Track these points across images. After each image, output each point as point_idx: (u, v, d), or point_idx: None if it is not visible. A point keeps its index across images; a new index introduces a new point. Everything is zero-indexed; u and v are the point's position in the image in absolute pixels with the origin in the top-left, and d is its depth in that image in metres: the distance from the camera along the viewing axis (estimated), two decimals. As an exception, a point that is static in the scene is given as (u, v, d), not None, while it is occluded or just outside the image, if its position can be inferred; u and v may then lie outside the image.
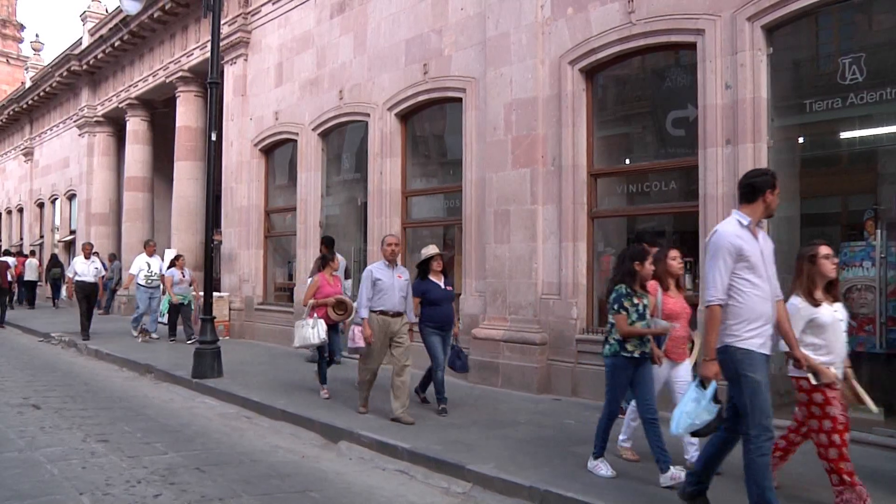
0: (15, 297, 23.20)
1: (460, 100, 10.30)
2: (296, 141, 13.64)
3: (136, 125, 21.03)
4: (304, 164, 13.35)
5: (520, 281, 9.19)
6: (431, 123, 11.81)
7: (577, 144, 8.83)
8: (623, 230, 9.43)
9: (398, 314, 7.48)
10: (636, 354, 5.40)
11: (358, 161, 12.89)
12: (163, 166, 20.57)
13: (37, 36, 42.85)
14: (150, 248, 14.70)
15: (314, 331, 8.29)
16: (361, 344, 7.61)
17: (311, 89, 13.25)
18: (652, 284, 5.68)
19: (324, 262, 8.96)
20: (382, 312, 7.41)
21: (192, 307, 13.91)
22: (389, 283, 7.44)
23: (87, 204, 23.45)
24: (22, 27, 62.48)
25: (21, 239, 31.22)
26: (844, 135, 7.71)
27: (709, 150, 7.49)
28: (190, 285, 13.91)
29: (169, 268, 14.18)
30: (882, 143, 7.40)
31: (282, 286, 14.67)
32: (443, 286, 7.81)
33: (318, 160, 13.19)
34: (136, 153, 21.16)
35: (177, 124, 18.10)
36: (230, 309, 14.92)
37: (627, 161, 9.54)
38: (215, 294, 11.86)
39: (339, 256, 10.74)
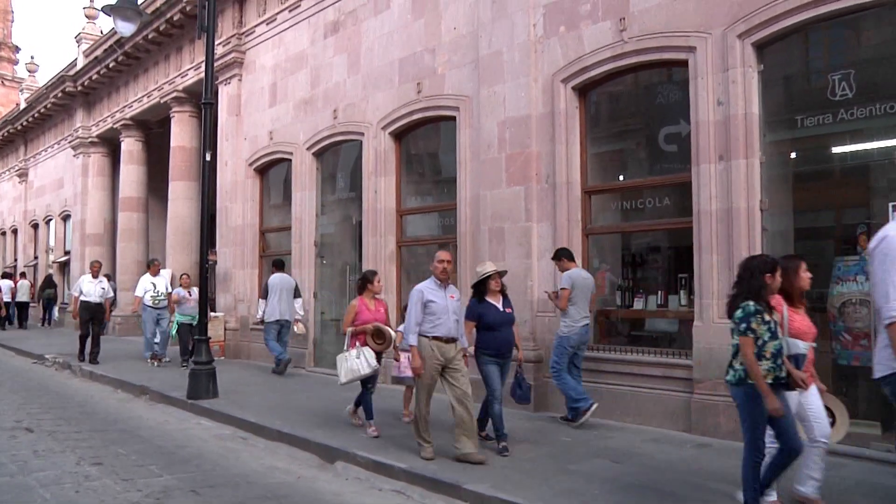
0: (6, 319, 23.26)
1: (454, 118, 10.33)
2: (290, 160, 13.66)
3: (130, 145, 21.05)
4: (299, 183, 13.36)
5: (515, 298, 9.13)
6: (425, 142, 11.84)
7: (570, 161, 8.85)
8: (618, 247, 9.46)
9: (452, 340, 6.64)
10: (769, 380, 4.59)
11: (353, 180, 12.90)
12: (157, 186, 20.57)
13: (32, 58, 42.87)
14: (155, 266, 14.38)
15: (360, 361, 7.43)
16: (409, 374, 7.11)
17: (305, 109, 13.28)
18: (777, 299, 5.02)
19: (363, 284, 7.95)
20: (435, 338, 6.56)
21: None
22: (442, 304, 6.61)
23: (81, 224, 23.41)
24: (17, 49, 62.51)
25: (15, 260, 31.13)
26: (836, 149, 7.74)
27: (702, 166, 7.52)
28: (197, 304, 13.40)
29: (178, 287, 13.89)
30: (873, 158, 7.43)
31: (277, 306, 14.61)
32: (501, 308, 7.01)
33: (312, 179, 13.20)
34: (131, 173, 21.16)
35: (171, 144, 18.11)
36: (225, 329, 14.87)
37: (621, 178, 9.57)
38: (210, 314, 11.86)
39: (285, 276, 12.66)
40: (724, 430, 7.10)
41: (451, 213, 10.63)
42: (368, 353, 7.48)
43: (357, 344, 7.59)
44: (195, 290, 12.91)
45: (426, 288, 6.70)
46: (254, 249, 14.85)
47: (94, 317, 13.90)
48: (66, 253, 25.65)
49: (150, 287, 13.90)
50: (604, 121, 9.47)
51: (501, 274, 7.15)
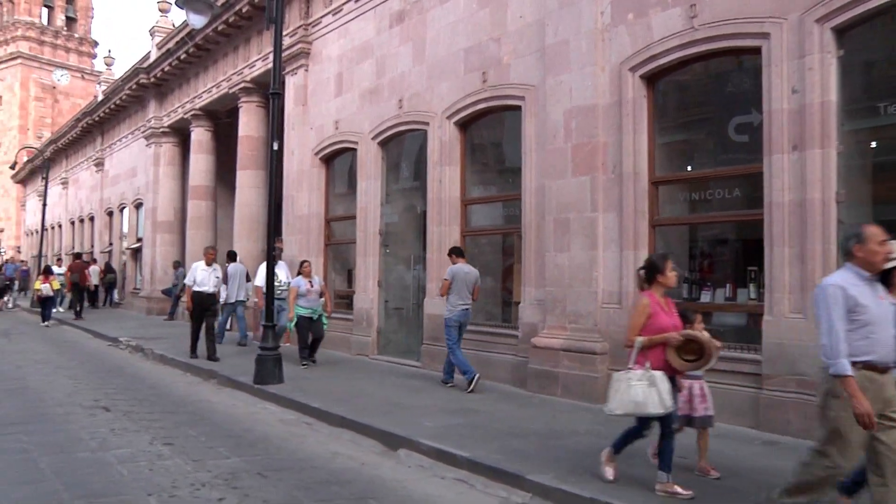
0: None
1: (519, 108, 10.26)
2: (355, 150, 13.78)
3: (200, 135, 21.53)
4: (364, 172, 13.48)
5: (580, 290, 9.10)
6: (490, 131, 11.79)
7: (637, 152, 8.71)
8: (685, 238, 9.28)
9: (888, 368, 4.28)
10: None
11: (417, 169, 12.96)
12: (226, 175, 21.00)
13: (109, 52, 44.30)
14: (276, 255, 12.63)
15: (652, 392, 5.11)
16: (705, 412, 5.80)
17: (370, 98, 13.38)
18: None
19: (651, 273, 5.53)
20: (870, 366, 4.21)
21: (325, 322, 12.16)
22: (876, 311, 4.26)
23: (153, 212, 24.10)
24: (95, 44, 64.87)
25: (92, 246, 32.27)
26: (920, 139, 7.43)
27: (774, 157, 7.31)
28: (320, 296, 12.01)
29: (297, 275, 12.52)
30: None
31: (341, 293, 14.80)
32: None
33: (377, 169, 13.30)
34: (200, 162, 21.65)
35: (239, 134, 18.46)
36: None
37: (689, 168, 9.38)
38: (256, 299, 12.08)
39: (240, 265, 13.69)
40: (794, 428, 6.91)
41: (515, 203, 10.58)
42: (664, 385, 5.16)
43: (647, 365, 5.24)
44: (317, 280, 12.18)
45: (848, 283, 4.28)
46: (319, 238, 15.03)
47: (207, 308, 12.82)
48: (139, 240, 26.46)
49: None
50: (672, 110, 9.28)
51: None
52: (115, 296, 28.66)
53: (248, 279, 14.85)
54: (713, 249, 9.16)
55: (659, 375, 5.17)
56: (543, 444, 6.72)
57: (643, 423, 5.41)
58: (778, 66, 7.30)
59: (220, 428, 7.75)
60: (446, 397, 9.15)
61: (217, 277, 12.97)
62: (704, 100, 9.17)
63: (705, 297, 8.57)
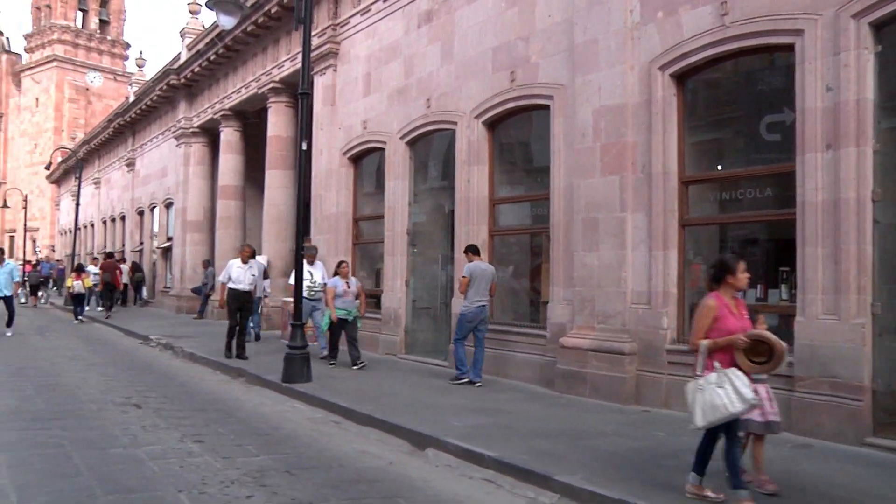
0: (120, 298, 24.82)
1: (548, 107, 10.22)
2: (383, 149, 13.81)
3: (229, 135, 21.75)
4: (392, 172, 13.50)
5: (608, 290, 9.04)
6: (518, 131, 11.76)
7: (667, 151, 8.63)
8: (715, 238, 9.17)
9: None
10: None
11: (445, 169, 12.96)
12: (254, 175, 21.18)
13: (140, 53, 44.91)
14: (311, 256, 12.91)
15: (727, 392, 4.85)
16: (775, 418, 5.40)
17: (398, 98, 13.40)
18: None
19: (720, 274, 5.26)
20: None
21: (359, 324, 11.96)
22: None
23: (183, 212, 24.37)
24: (127, 46, 65.88)
25: (123, 245, 32.72)
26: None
27: (807, 156, 7.19)
28: (356, 298, 11.86)
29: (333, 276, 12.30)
30: None
31: (369, 293, 14.81)
32: None
33: (405, 168, 13.31)
34: (229, 162, 21.87)
35: (268, 134, 18.62)
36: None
37: (719, 167, 9.27)
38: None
39: (254, 261, 13.17)
40: (826, 431, 6.82)
41: (543, 203, 10.53)
42: (740, 381, 4.89)
43: (717, 365, 5.01)
44: (354, 281, 12.05)
45: None
46: (347, 237, 15.09)
47: (243, 306, 12.73)
48: (169, 239, 26.78)
49: (307, 276, 12.28)
50: (702, 109, 9.18)
51: None
52: (144, 294, 29.09)
53: (266, 276, 15.30)
54: (744, 249, 9.03)
55: (730, 371, 4.92)
56: (572, 444, 6.68)
57: (712, 432, 5.11)
58: (812, 63, 7.19)
59: (248, 426, 7.80)
60: (473, 397, 9.14)
61: (253, 275, 12.81)
62: (735, 98, 9.05)
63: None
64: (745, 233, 9.02)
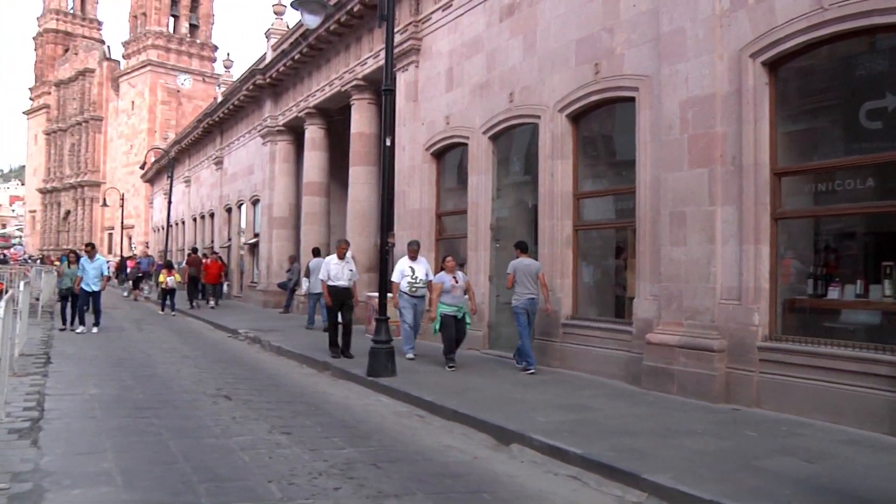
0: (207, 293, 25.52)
1: (633, 99, 10.02)
2: (466, 144, 13.81)
3: (313, 133, 22.13)
4: (475, 167, 13.49)
5: (696, 285, 8.81)
6: (602, 124, 11.57)
7: (758, 142, 8.33)
8: (810, 232, 8.81)
9: None
10: None
11: (527, 163, 12.87)
12: (338, 171, 21.51)
13: (228, 55, 46.26)
14: (413, 251, 12.38)
15: None
16: None
17: (480, 93, 13.38)
18: None
19: None
20: None
21: (469, 322, 11.45)
22: None
23: (269, 208, 24.98)
24: (215, 48, 68.23)
25: (212, 241, 33.75)
26: None
27: (913, 144, 6.84)
28: (465, 293, 11.37)
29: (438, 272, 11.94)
30: None
31: (452, 288, 14.89)
32: None
33: (488, 163, 13.28)
34: (314, 159, 22.25)
35: (351, 131, 18.86)
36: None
37: (814, 158, 8.90)
38: (389, 295, 11.31)
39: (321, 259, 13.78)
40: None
41: (629, 197, 10.34)
42: None
43: None
44: (461, 276, 11.49)
45: None
46: (430, 232, 15.16)
47: (343, 303, 12.27)
48: (256, 235, 27.47)
49: (409, 272, 12.06)
50: (795, 97, 8.81)
51: None
52: (225, 289, 28.98)
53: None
54: (840, 243, 8.67)
55: None
56: (659, 442, 6.54)
57: None
58: (918, 45, 6.82)
59: (334, 419, 7.93)
60: (557, 392, 9.06)
61: (350, 270, 12.39)
62: (831, 85, 8.66)
63: (833, 293, 8.11)
64: (840, 226, 8.64)
